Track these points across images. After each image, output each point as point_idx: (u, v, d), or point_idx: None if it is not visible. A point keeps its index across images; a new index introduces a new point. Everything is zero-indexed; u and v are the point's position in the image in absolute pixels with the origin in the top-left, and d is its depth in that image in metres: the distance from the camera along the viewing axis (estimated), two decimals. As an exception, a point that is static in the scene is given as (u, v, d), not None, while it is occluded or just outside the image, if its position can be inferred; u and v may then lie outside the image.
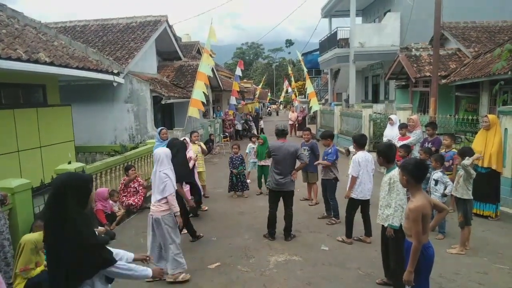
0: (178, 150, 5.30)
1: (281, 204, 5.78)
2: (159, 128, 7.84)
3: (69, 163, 6.34)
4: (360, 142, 5.52)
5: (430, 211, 3.15)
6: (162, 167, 4.43)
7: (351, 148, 6.03)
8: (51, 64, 7.63)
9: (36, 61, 7.16)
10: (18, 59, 6.68)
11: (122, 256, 2.64)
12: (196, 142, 8.11)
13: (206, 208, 7.44)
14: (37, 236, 4.30)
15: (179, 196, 5.06)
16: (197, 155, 7.64)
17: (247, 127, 21.41)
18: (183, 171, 5.27)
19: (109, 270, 2.38)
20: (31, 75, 7.68)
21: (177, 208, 4.44)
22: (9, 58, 6.45)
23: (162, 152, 4.54)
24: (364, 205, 5.53)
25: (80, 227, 2.26)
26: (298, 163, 5.78)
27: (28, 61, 6.92)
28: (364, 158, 5.37)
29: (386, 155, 4.11)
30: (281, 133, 5.79)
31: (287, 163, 5.59)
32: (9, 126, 7.33)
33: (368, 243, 5.49)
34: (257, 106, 26.53)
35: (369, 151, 11.36)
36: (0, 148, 6.95)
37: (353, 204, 5.48)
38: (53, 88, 9.00)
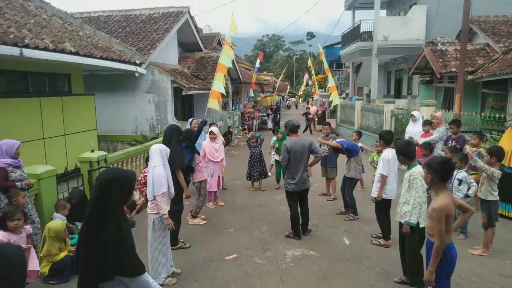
0: (171, 137, 5.09)
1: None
2: (191, 119, 7.98)
3: (92, 151, 6.49)
4: (387, 138, 5.22)
5: (454, 211, 3.08)
6: (155, 162, 4.14)
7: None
8: (76, 54, 7.79)
9: (62, 51, 7.31)
10: (45, 49, 6.84)
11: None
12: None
13: (223, 203, 7.44)
14: (59, 225, 4.48)
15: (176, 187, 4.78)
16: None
17: (264, 120, 21.39)
18: (179, 157, 5.10)
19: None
20: (56, 65, 7.86)
21: (164, 211, 4.11)
22: (36, 48, 6.61)
23: (157, 147, 4.25)
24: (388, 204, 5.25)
25: (121, 222, 2.35)
26: (311, 158, 5.66)
27: (54, 50, 7.07)
28: (392, 155, 4.98)
29: (405, 152, 4.04)
30: (293, 129, 5.67)
31: (304, 159, 5.48)
32: (35, 114, 7.55)
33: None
34: (278, 99, 26.37)
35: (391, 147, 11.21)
36: (27, 135, 7.17)
37: (383, 204, 5.13)
38: (78, 78, 9.20)
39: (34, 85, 7.84)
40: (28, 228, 4.23)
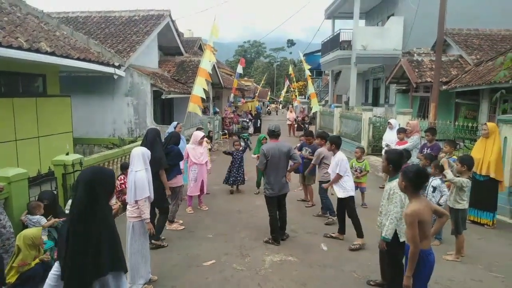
0: (155, 138, 5.23)
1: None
2: (175, 123, 8.03)
3: (67, 154, 6.30)
4: (338, 143, 5.78)
5: (429, 217, 3.14)
6: (137, 167, 4.09)
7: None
8: (52, 54, 7.58)
9: (37, 51, 7.10)
10: (19, 48, 6.63)
11: None
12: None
13: (207, 208, 7.36)
14: (34, 231, 4.31)
15: (160, 186, 5.02)
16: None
17: (245, 125, 21.40)
18: (163, 158, 5.28)
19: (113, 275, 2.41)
20: (31, 65, 7.62)
21: (147, 215, 4.10)
22: (10, 47, 6.40)
23: (139, 151, 4.20)
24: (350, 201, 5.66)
25: (110, 218, 2.47)
26: (290, 164, 5.73)
27: (29, 50, 6.86)
28: (345, 158, 5.69)
29: (397, 163, 3.92)
30: (272, 134, 5.70)
31: (281, 164, 5.54)
32: (8, 115, 7.28)
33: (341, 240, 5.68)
34: (258, 105, 26.46)
35: (367, 154, 11.43)
36: (-2, 136, 6.91)
37: (343, 203, 5.62)
38: (53, 79, 8.95)
39: (6, 85, 7.58)
40: None
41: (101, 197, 2.41)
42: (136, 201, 4.04)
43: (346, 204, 5.55)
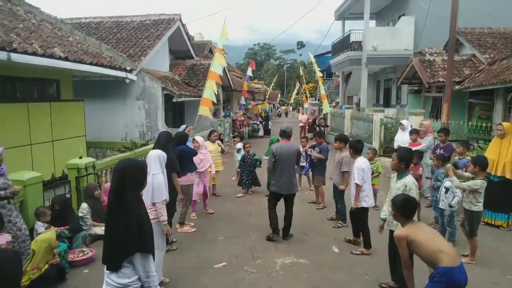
0: (167, 141, 5.23)
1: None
2: (184, 126, 7.94)
3: (80, 157, 6.41)
4: (357, 147, 5.46)
5: (425, 233, 3.14)
6: (155, 170, 4.12)
7: None
8: (66, 59, 7.72)
9: (51, 56, 7.24)
10: (34, 54, 6.76)
11: None
12: (215, 141, 8.30)
13: (212, 211, 7.31)
14: (49, 235, 4.40)
15: (172, 189, 4.99)
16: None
17: (256, 128, 21.43)
18: (175, 161, 5.29)
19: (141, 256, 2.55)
20: (45, 70, 7.78)
21: (165, 217, 4.17)
22: (25, 52, 6.53)
23: (155, 153, 4.25)
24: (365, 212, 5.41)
25: (140, 206, 2.62)
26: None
27: (43, 55, 7.00)
28: (366, 164, 5.32)
29: (408, 160, 3.96)
30: (284, 134, 5.84)
31: (289, 164, 5.66)
32: (23, 119, 7.43)
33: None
34: (266, 107, 26.46)
35: (379, 156, 11.31)
36: (13, 141, 7.05)
37: (364, 212, 5.29)
38: (67, 83, 9.11)
39: (22, 91, 7.74)
40: (7, 236, 4.11)
41: (132, 186, 2.59)
42: (153, 204, 4.10)
43: (358, 216, 5.35)
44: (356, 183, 5.17)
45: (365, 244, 5.32)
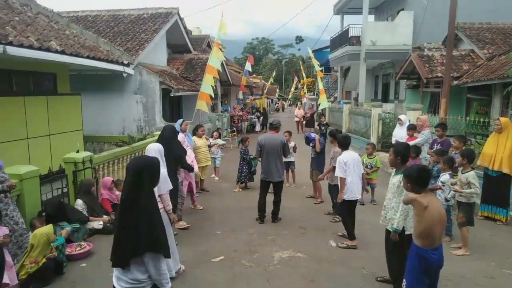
0: (172, 135, 5.34)
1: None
2: (181, 120, 7.86)
3: (77, 152, 6.38)
4: (344, 142, 5.53)
5: (437, 211, 3.17)
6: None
7: None
8: (62, 52, 7.65)
9: (48, 49, 7.18)
10: (30, 47, 6.70)
11: None
12: (203, 136, 8.20)
13: (201, 207, 7.23)
14: (47, 229, 4.40)
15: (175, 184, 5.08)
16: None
17: (253, 122, 21.42)
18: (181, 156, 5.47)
19: (153, 257, 2.50)
20: (42, 63, 7.71)
21: (170, 206, 4.31)
22: (21, 46, 6.47)
23: (156, 147, 4.32)
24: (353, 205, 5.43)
25: (153, 204, 2.56)
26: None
27: (39, 49, 6.93)
28: (351, 158, 5.28)
29: (404, 155, 3.96)
30: (271, 126, 6.51)
31: (274, 154, 6.17)
32: (19, 113, 7.38)
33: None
34: (264, 103, 26.51)
35: (377, 151, 11.33)
36: (10, 134, 7.01)
37: (346, 205, 5.32)
38: (64, 77, 9.04)
39: (18, 84, 7.67)
40: (4, 229, 4.09)
41: (145, 184, 2.54)
42: (159, 195, 4.14)
43: (341, 207, 5.44)
44: (340, 176, 5.24)
45: (349, 235, 5.37)
